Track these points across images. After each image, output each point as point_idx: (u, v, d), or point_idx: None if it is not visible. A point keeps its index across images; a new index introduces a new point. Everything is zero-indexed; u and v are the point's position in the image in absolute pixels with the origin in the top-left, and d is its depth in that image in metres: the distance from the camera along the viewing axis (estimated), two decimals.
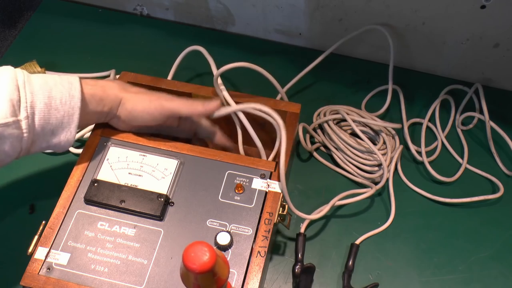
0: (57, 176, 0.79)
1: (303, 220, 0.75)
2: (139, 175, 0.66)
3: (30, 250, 0.60)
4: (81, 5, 1.03)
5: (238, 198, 0.64)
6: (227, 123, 0.76)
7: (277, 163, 0.66)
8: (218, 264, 0.45)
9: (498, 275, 0.73)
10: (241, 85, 0.90)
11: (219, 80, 0.72)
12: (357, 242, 0.74)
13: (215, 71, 0.76)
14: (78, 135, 0.82)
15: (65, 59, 0.94)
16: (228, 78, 0.90)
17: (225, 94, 0.71)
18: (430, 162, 0.82)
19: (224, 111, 0.71)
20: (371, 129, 0.82)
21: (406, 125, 0.86)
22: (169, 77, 0.86)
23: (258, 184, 0.65)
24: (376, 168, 0.79)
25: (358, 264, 0.72)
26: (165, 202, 0.63)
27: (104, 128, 0.69)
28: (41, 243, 0.61)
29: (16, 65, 0.90)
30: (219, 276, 0.46)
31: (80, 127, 0.64)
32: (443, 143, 0.85)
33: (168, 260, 0.60)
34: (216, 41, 0.97)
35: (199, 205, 0.64)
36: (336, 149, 0.81)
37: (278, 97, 0.81)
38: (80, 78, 0.63)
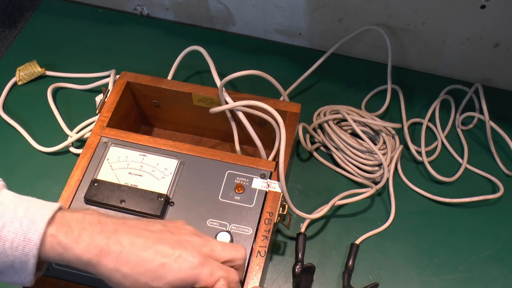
0: (57, 176, 0.80)
1: (303, 220, 0.75)
2: (139, 175, 0.66)
3: None
4: (81, 5, 1.04)
5: (238, 198, 0.64)
6: (226, 123, 0.76)
7: (277, 163, 0.66)
8: None
9: (498, 274, 0.73)
10: (241, 86, 0.90)
11: (218, 80, 0.72)
12: (357, 242, 0.74)
13: (214, 72, 0.76)
14: (78, 135, 0.82)
15: (65, 59, 0.94)
16: None
17: (228, 99, 0.71)
18: (430, 162, 0.82)
19: (222, 107, 0.71)
20: (371, 129, 0.82)
21: (406, 125, 0.86)
22: (169, 77, 0.86)
23: (258, 184, 0.65)
24: (376, 168, 0.79)
25: (358, 264, 0.72)
26: (165, 202, 0.63)
27: (104, 128, 0.69)
28: None
29: (16, 65, 0.91)
30: None
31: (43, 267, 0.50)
32: (443, 143, 0.85)
33: None
34: (216, 41, 0.97)
35: (199, 205, 0.64)
36: (336, 149, 0.81)
37: (281, 99, 0.81)
38: (61, 210, 0.49)
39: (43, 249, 0.46)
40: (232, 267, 0.52)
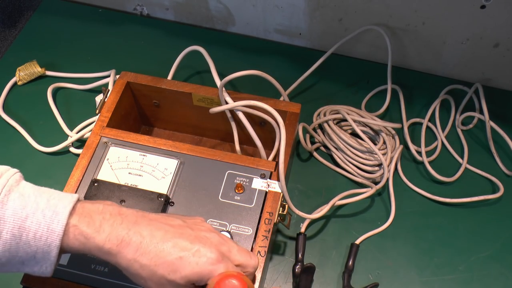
0: (57, 176, 0.80)
1: (303, 220, 0.75)
2: (139, 175, 0.66)
3: None
4: (81, 5, 1.03)
5: (238, 198, 0.64)
6: (226, 123, 0.76)
7: (277, 163, 0.66)
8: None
9: (498, 275, 0.73)
10: (241, 86, 0.90)
11: (218, 80, 0.72)
12: (357, 242, 0.74)
13: (214, 72, 0.76)
14: (78, 135, 0.82)
15: (65, 59, 0.94)
16: None
17: (228, 99, 0.71)
18: (430, 162, 0.82)
19: (222, 107, 0.71)
20: (371, 129, 0.82)
21: (406, 125, 0.86)
22: (169, 77, 0.86)
23: (258, 184, 0.65)
24: (376, 168, 0.79)
25: (358, 264, 0.72)
26: (165, 202, 0.63)
27: (104, 128, 0.69)
28: None
29: (16, 65, 0.91)
30: None
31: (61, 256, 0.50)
32: (443, 143, 0.85)
33: None
34: (216, 41, 0.97)
35: (199, 205, 0.64)
36: (336, 149, 0.81)
37: (281, 99, 0.81)
38: (80, 201, 0.50)
39: (65, 239, 0.47)
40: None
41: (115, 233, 0.48)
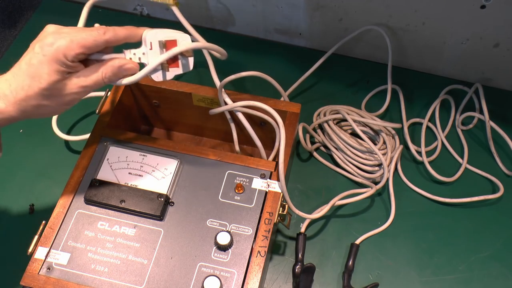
0: (57, 176, 0.80)
1: (303, 220, 0.75)
2: (139, 175, 0.66)
3: (30, 250, 0.60)
4: (81, 5, 1.03)
5: (238, 198, 0.64)
6: (226, 123, 0.76)
7: (277, 163, 0.66)
8: None
9: (498, 274, 0.73)
10: (241, 86, 0.90)
11: (218, 80, 0.72)
12: (357, 242, 0.74)
13: (214, 72, 0.76)
14: (76, 137, 0.82)
15: None
16: None
17: (228, 100, 0.71)
18: (430, 162, 0.82)
19: (222, 108, 0.71)
20: (371, 129, 0.82)
21: (406, 125, 0.86)
22: None
23: (258, 184, 0.65)
24: (376, 168, 0.79)
25: (358, 264, 0.73)
26: (165, 202, 0.63)
27: (104, 128, 0.70)
28: (41, 243, 0.61)
29: None
30: None
31: None
32: (443, 143, 0.85)
33: (168, 260, 0.60)
34: (216, 41, 0.97)
35: (199, 205, 0.64)
36: (336, 149, 0.81)
37: (281, 99, 0.81)
38: None
39: None
40: None
41: None
